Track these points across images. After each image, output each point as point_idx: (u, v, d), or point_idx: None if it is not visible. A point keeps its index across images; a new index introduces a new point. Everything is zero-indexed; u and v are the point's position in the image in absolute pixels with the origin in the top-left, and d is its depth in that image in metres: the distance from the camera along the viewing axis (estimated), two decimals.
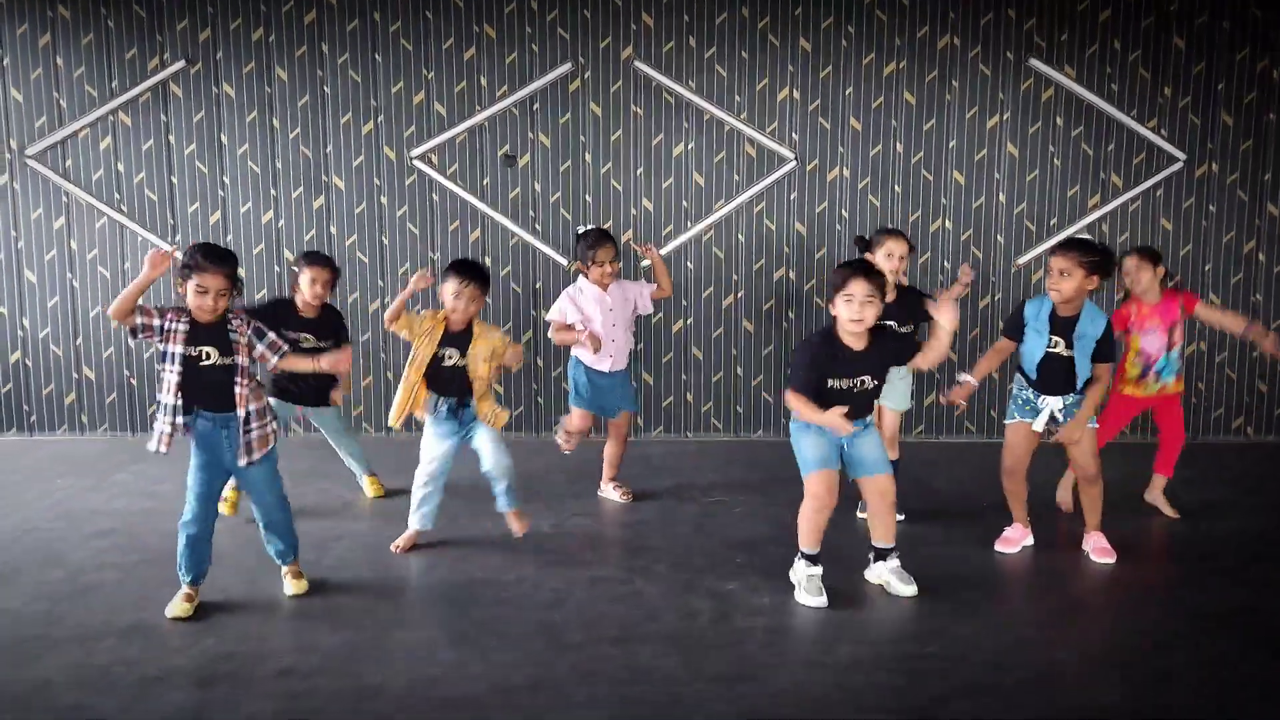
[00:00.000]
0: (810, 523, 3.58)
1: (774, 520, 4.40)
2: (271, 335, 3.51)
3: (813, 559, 3.60)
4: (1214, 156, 5.95)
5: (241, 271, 3.72)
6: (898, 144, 5.94)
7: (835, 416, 3.40)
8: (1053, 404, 3.94)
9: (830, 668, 3.08)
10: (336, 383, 4.57)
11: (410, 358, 3.99)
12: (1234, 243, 6.03)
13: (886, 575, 3.67)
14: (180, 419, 3.36)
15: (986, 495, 4.53)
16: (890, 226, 4.56)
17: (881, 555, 3.70)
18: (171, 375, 3.33)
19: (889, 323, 4.04)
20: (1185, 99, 5.90)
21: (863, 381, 3.54)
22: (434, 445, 4.05)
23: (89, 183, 5.95)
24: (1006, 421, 4.09)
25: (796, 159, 5.92)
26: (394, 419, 4.01)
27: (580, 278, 4.70)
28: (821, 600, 3.53)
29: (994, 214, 5.99)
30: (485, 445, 4.04)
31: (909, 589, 3.61)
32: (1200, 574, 3.89)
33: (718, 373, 6.13)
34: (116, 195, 5.96)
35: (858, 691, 2.93)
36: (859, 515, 4.36)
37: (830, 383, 3.51)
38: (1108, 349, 3.91)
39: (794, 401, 3.52)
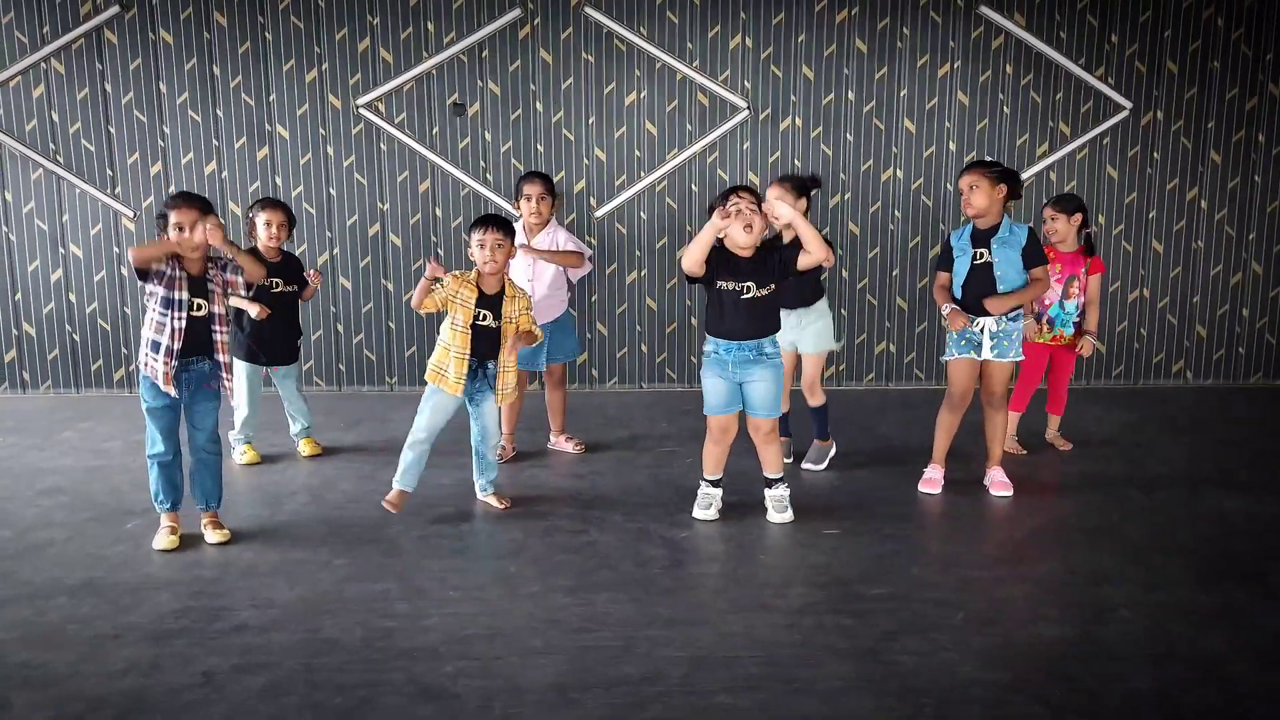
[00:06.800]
0: (710, 454, 3.98)
1: (726, 468, 4.45)
2: (231, 262, 3.64)
3: (713, 483, 4.00)
4: (1159, 104, 6.02)
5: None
6: (849, 92, 5.93)
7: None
8: (987, 324, 4.10)
9: (782, 610, 3.15)
10: (299, 341, 4.79)
11: (449, 323, 3.86)
12: (1177, 190, 6.13)
13: (768, 502, 4.00)
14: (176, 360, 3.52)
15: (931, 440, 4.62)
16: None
17: (769, 484, 4.00)
18: (177, 321, 3.49)
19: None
20: (1132, 47, 5.95)
21: (748, 287, 3.75)
22: (441, 402, 3.93)
23: (22, 133, 5.76)
24: (946, 359, 4.23)
25: (749, 108, 5.89)
26: (451, 387, 3.87)
27: (519, 225, 4.63)
28: (709, 513, 3.94)
29: (944, 163, 6.03)
30: (487, 421, 3.99)
31: (782, 516, 3.92)
32: (1136, 511, 4.03)
33: (671, 323, 6.15)
34: (52, 146, 5.78)
35: (809, 631, 3.00)
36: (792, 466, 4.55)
37: (719, 283, 3.79)
38: (1037, 254, 4.09)
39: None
